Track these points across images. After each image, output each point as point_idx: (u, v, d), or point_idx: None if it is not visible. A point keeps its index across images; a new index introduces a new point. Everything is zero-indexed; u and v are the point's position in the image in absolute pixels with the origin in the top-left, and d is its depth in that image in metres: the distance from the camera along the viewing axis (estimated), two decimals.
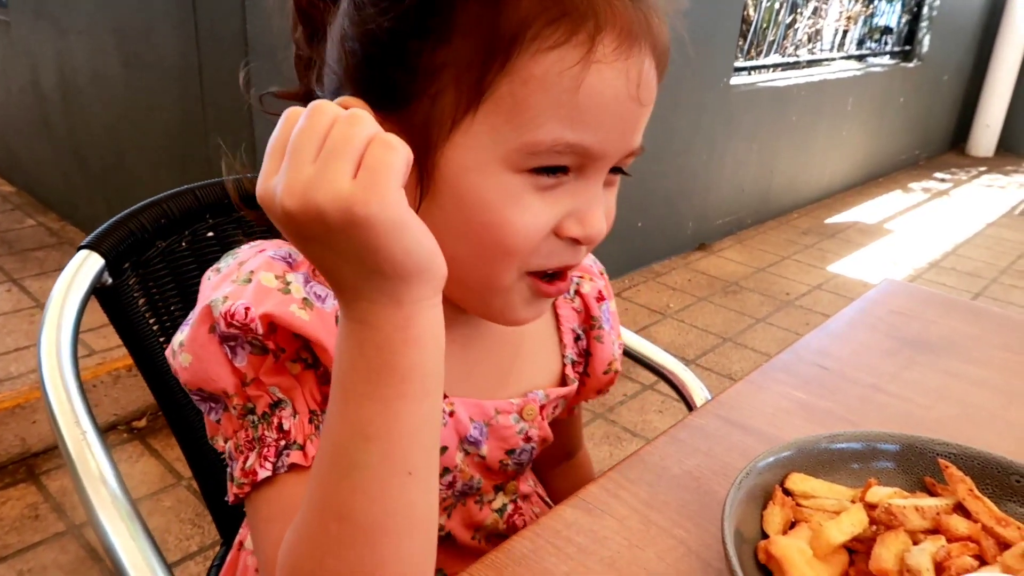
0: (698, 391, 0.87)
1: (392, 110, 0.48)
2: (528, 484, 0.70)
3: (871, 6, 4.74)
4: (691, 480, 0.61)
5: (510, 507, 0.67)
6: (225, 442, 0.52)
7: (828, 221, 4.19)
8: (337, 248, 0.38)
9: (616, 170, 0.54)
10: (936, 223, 4.23)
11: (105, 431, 1.88)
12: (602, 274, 0.73)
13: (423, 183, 0.49)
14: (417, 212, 0.45)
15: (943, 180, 5.11)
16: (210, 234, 0.78)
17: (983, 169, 5.42)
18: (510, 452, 0.62)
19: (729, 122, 3.54)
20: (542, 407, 0.63)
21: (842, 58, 4.58)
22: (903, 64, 5.04)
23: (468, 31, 0.45)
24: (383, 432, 0.41)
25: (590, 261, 0.72)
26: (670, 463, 0.63)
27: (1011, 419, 0.72)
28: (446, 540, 0.63)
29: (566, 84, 0.45)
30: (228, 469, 0.51)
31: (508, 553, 0.53)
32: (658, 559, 0.53)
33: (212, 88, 2.06)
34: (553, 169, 0.48)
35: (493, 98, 0.46)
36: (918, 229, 4.12)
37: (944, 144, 5.91)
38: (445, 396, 0.57)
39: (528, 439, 0.62)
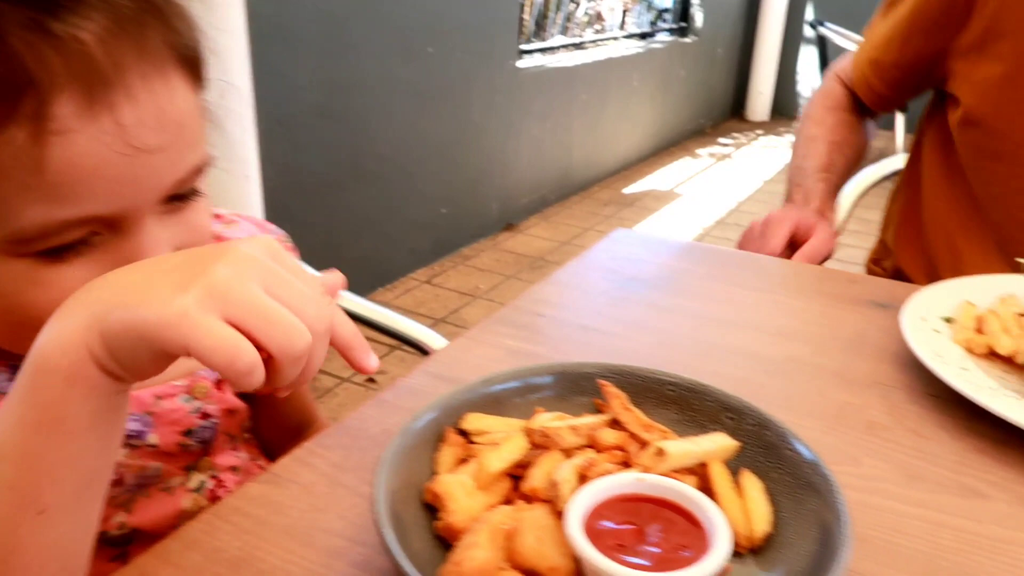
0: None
1: None
2: (238, 456, 0.67)
3: None
4: (389, 439, 0.61)
5: (211, 483, 0.64)
6: None
7: (626, 191, 4.41)
8: None
9: (182, 195, 0.48)
10: (721, 184, 4.58)
11: None
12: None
13: None
14: None
15: (726, 145, 5.53)
16: None
17: (760, 132, 5.92)
18: (188, 432, 0.59)
19: (521, 104, 3.63)
20: (218, 381, 0.61)
21: (625, 37, 4.83)
22: (680, 40, 5.39)
23: None
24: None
25: (273, 229, 0.70)
26: (370, 425, 0.63)
27: (699, 338, 0.78)
28: (136, 539, 0.60)
29: (26, 166, 0.40)
30: None
31: (180, 539, 0.51)
32: (339, 518, 0.52)
33: None
34: (64, 247, 0.43)
35: None
36: (705, 191, 4.44)
37: (725, 112, 6.39)
38: None
39: (206, 416, 0.60)
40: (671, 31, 5.39)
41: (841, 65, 1.24)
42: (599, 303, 0.85)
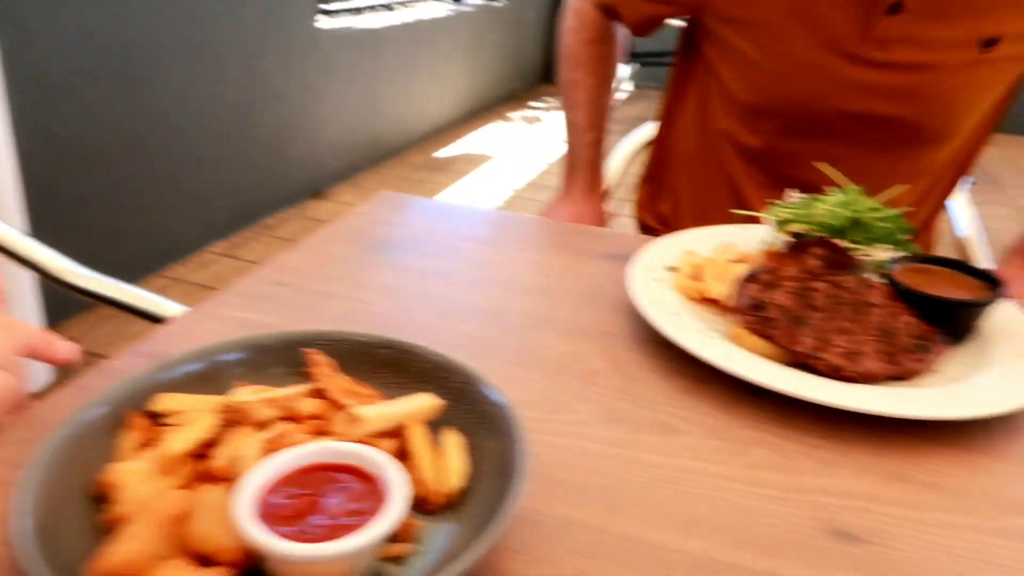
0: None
1: None
2: None
3: None
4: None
5: None
6: None
7: (438, 155, 4.39)
8: None
9: None
10: (532, 147, 4.67)
11: None
12: None
13: None
14: None
15: (537, 108, 5.64)
16: None
17: None
18: None
19: (324, 67, 3.49)
20: None
21: (435, 0, 4.77)
22: (491, 4, 5.40)
23: None
24: None
25: None
26: (63, 414, 0.57)
27: (446, 298, 0.78)
28: None
29: None
30: None
31: None
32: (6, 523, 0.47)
33: None
34: None
35: None
36: (517, 154, 4.51)
37: (537, 75, 6.51)
38: None
39: None
40: None
41: None
42: (348, 269, 0.83)
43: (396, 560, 0.45)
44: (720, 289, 0.73)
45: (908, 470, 0.57)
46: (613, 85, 1.23)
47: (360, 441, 0.48)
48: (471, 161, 4.33)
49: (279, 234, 3.15)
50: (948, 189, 1.15)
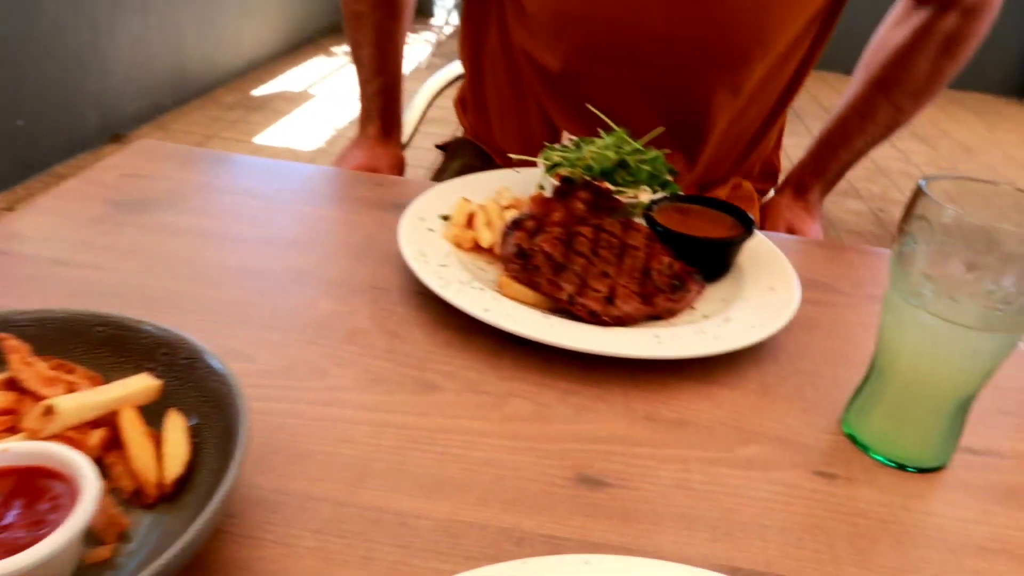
0: None
1: None
2: None
3: None
4: None
5: None
6: None
7: (254, 93, 4.13)
8: None
9: None
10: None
11: None
12: None
13: None
14: None
15: None
16: None
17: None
18: None
19: None
20: None
21: None
22: None
23: None
24: None
25: None
26: None
27: (200, 260, 0.71)
28: None
29: None
30: None
31: None
32: None
33: None
34: None
35: None
36: (340, 92, 4.32)
37: None
38: None
39: None
40: None
41: None
42: (87, 232, 0.74)
43: (106, 564, 0.41)
44: (490, 237, 0.72)
45: (658, 409, 0.59)
46: (407, 16, 1.15)
47: (58, 436, 0.43)
48: (291, 99, 4.10)
49: None
50: (773, 119, 1.13)
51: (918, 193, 0.50)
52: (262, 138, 3.51)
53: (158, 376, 0.48)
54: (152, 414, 0.47)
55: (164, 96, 3.63)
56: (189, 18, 3.74)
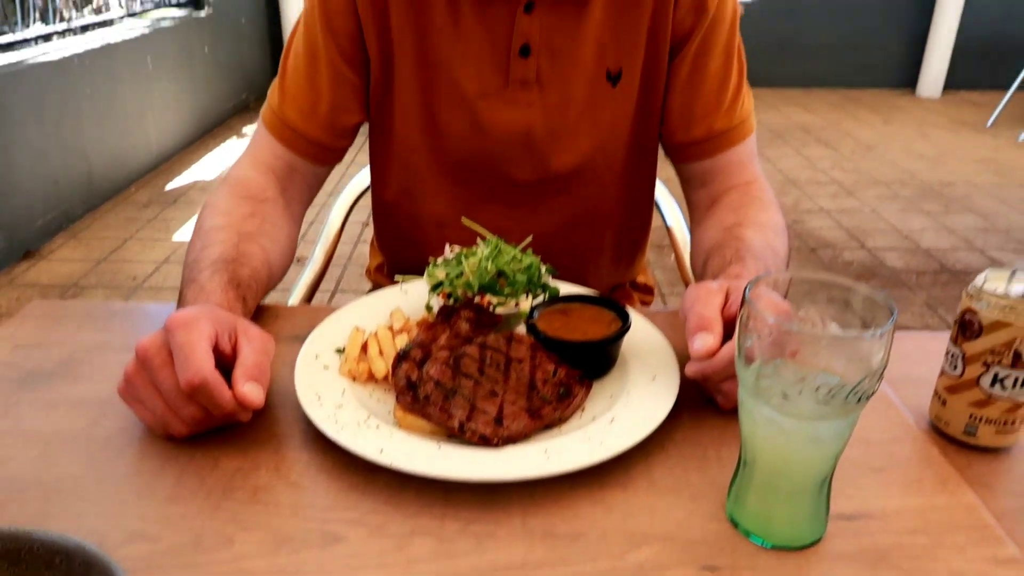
0: None
1: None
2: None
3: None
4: None
5: None
6: None
7: (168, 187, 4.10)
8: None
9: None
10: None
11: None
12: None
13: None
14: None
15: None
16: None
17: None
18: None
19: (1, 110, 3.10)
20: None
21: (124, 16, 4.39)
22: (195, 14, 5.07)
23: None
24: None
25: None
26: None
27: (124, 433, 0.72)
28: None
29: None
30: None
31: None
32: None
33: None
34: None
35: None
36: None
37: (267, 82, 6.24)
38: None
39: None
40: (181, 5, 5.04)
41: (255, 152, 1.05)
42: None
43: None
44: (383, 367, 0.75)
45: (554, 524, 0.62)
46: (275, 250, 0.96)
47: None
48: (205, 188, 4.08)
49: None
50: (635, 232, 1.21)
51: (743, 301, 0.55)
52: (181, 233, 3.48)
53: None
54: None
55: (73, 204, 3.58)
56: (89, 121, 3.71)
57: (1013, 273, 0.71)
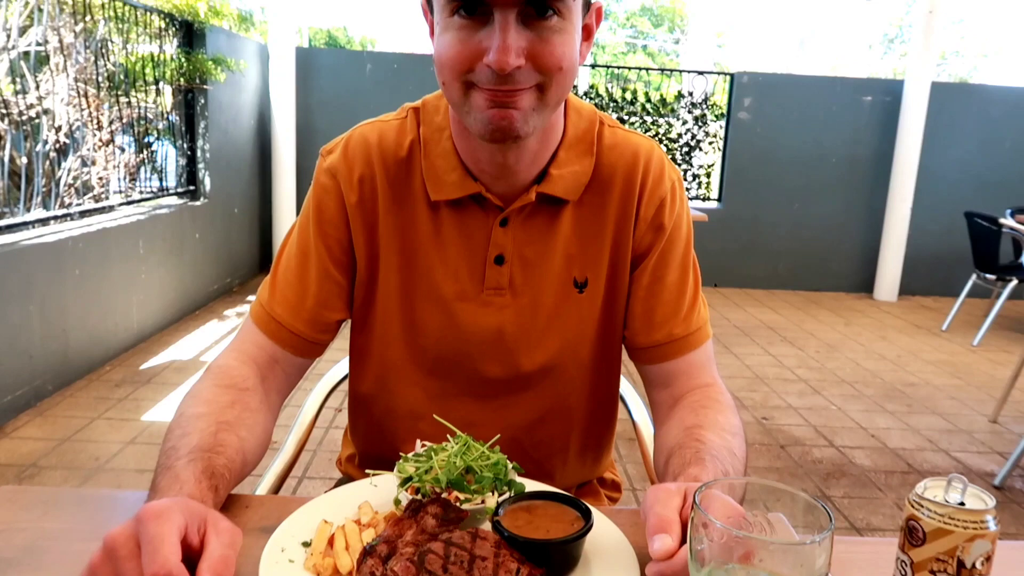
0: None
1: None
2: None
3: (146, 153, 4.90)
4: None
5: None
6: None
7: (143, 367, 4.10)
8: None
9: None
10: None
11: None
12: None
13: None
14: None
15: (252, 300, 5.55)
16: None
17: None
18: None
19: None
20: None
21: (123, 204, 4.61)
22: (191, 203, 5.34)
23: None
24: None
25: None
26: None
27: None
28: None
29: None
30: None
31: None
32: None
33: None
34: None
35: None
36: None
37: (253, 268, 6.46)
38: None
39: None
40: (179, 195, 5.32)
41: (240, 344, 1.11)
42: None
43: None
44: (348, 562, 0.75)
45: None
46: (252, 439, 0.97)
47: None
48: (180, 369, 4.09)
49: None
50: (598, 430, 1.25)
51: (694, 504, 0.59)
52: (151, 414, 3.45)
53: None
54: None
55: (46, 381, 3.56)
56: (72, 300, 3.78)
57: (949, 482, 0.75)
